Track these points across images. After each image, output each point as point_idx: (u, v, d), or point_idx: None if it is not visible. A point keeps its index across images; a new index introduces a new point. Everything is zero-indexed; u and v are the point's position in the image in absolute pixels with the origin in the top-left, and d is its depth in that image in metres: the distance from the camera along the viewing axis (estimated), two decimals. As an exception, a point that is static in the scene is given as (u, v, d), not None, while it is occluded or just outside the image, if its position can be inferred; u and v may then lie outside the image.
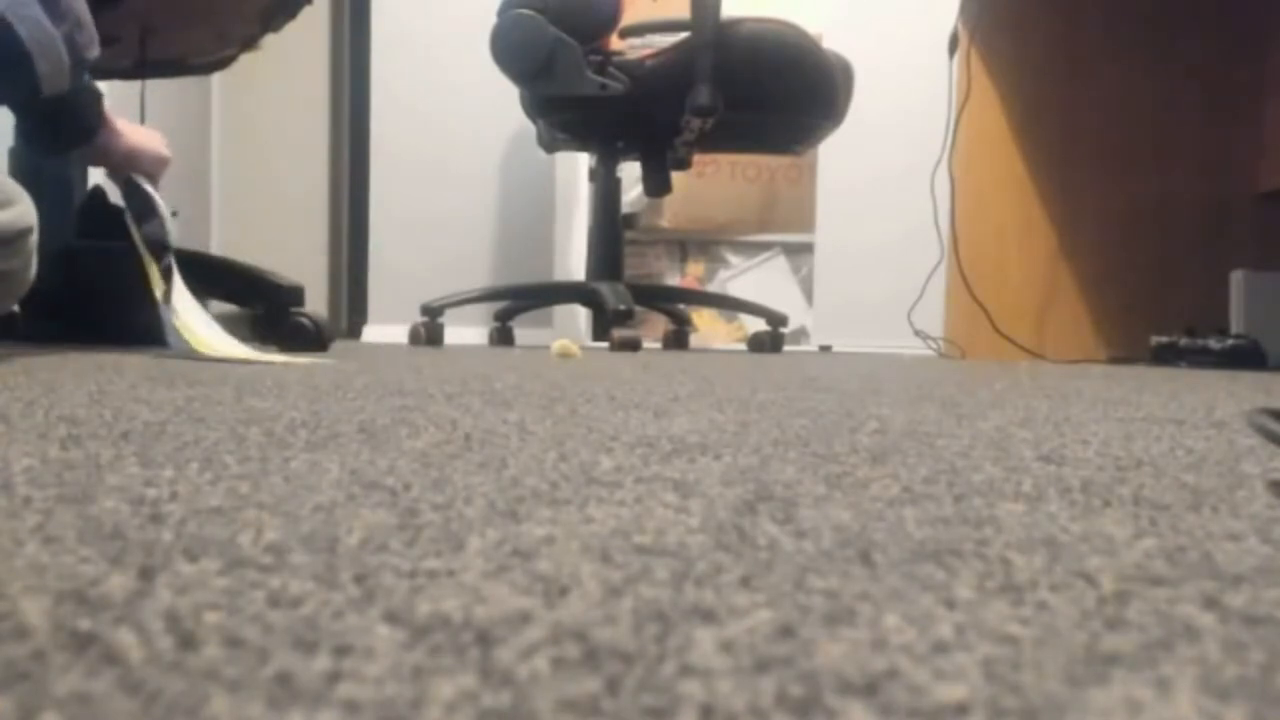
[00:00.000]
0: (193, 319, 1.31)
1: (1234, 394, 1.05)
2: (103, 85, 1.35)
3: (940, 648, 0.19)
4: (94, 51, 1.22)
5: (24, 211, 1.10)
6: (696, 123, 2.19)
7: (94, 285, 1.79)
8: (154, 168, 1.41)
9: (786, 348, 2.58)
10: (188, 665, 0.17)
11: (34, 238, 1.10)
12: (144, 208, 1.38)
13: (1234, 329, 2.13)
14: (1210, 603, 0.23)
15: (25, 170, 1.92)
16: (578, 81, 2.14)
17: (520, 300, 2.60)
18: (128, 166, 1.38)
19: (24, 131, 1.32)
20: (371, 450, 0.44)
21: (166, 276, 1.34)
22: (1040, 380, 1.23)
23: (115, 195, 2.03)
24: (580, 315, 2.90)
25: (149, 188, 1.39)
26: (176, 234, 1.42)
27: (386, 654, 0.18)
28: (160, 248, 1.36)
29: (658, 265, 3.35)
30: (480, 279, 2.87)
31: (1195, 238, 2.25)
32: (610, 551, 0.26)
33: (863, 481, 0.39)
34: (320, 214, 3.39)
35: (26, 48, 1.12)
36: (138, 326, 1.80)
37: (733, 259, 3.34)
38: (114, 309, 1.82)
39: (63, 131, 1.29)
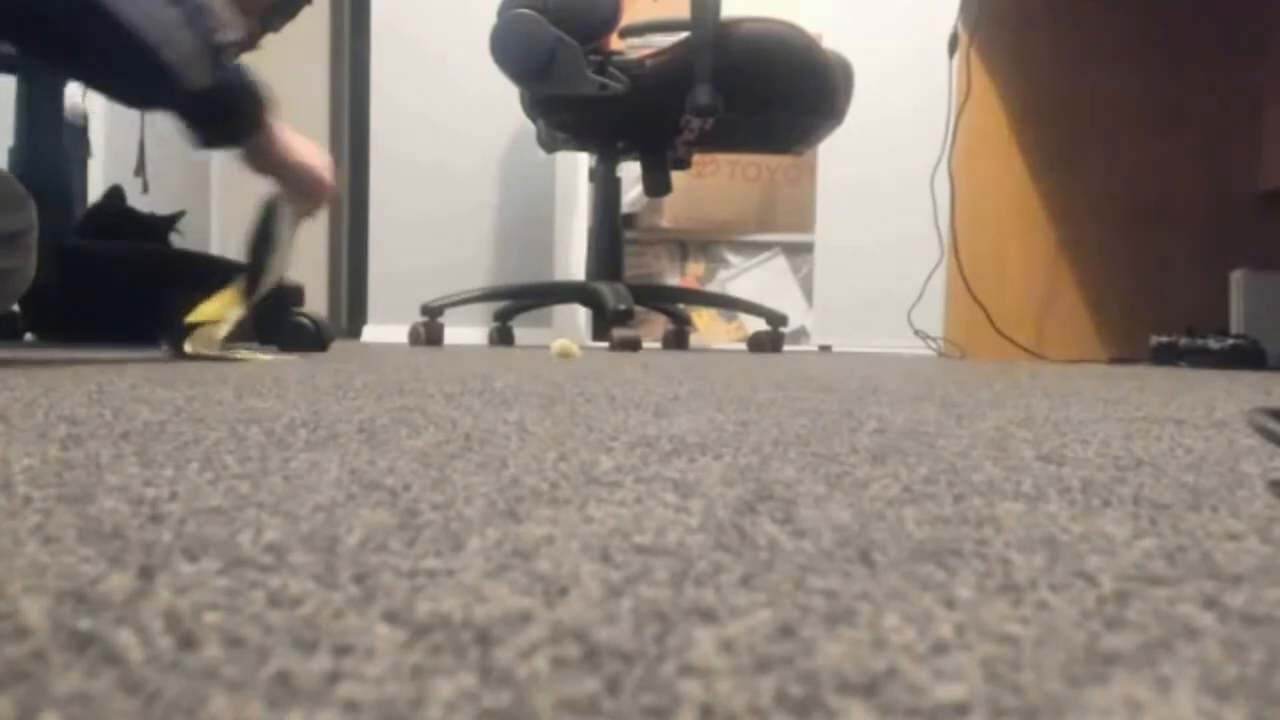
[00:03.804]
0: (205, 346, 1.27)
1: (1234, 394, 1.05)
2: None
3: (940, 647, 0.19)
4: (222, 36, 1.10)
5: (25, 211, 1.09)
6: (696, 122, 2.19)
7: (94, 285, 1.79)
8: (308, 189, 1.30)
9: (786, 348, 2.58)
10: (188, 665, 0.17)
11: (34, 235, 1.10)
12: (264, 235, 1.29)
13: (1234, 329, 2.13)
14: (1210, 603, 0.23)
15: (26, 169, 1.93)
16: (578, 81, 2.14)
17: (520, 300, 2.60)
18: (277, 178, 1.28)
19: (181, 121, 1.18)
20: (371, 450, 0.44)
21: (234, 307, 1.26)
22: (1040, 380, 1.23)
23: (134, 199, 2.04)
24: (580, 315, 2.90)
25: (282, 216, 1.29)
26: (284, 272, 1.33)
27: (386, 654, 0.18)
28: (251, 281, 1.28)
29: (658, 265, 3.35)
30: (480, 279, 2.87)
31: (1195, 238, 2.25)
32: (610, 551, 0.26)
33: (863, 481, 0.39)
34: (320, 214, 3.39)
35: (145, 38, 1.02)
36: (138, 326, 1.81)
37: (733, 259, 3.34)
38: (114, 309, 1.82)
39: (214, 128, 1.20)
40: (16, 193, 1.08)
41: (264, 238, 1.30)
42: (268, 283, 1.31)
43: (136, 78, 1.09)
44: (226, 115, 1.19)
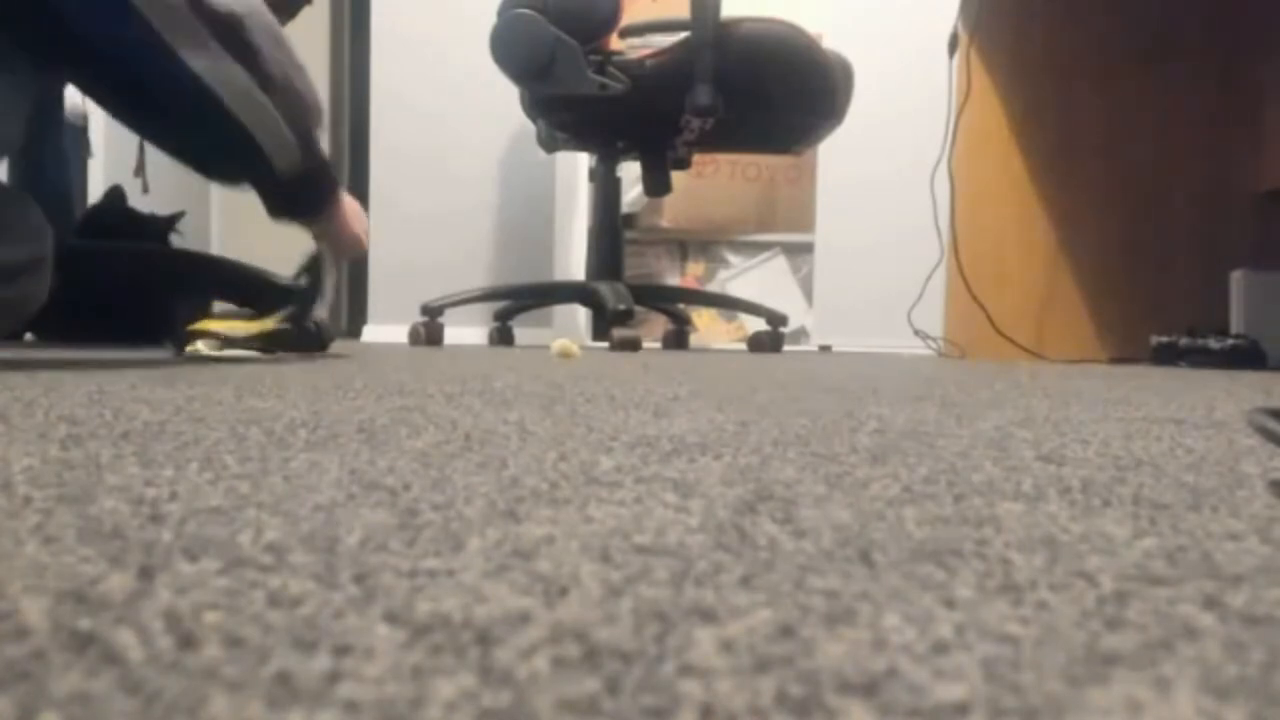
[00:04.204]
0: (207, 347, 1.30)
1: (1234, 394, 1.05)
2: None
3: (940, 647, 0.19)
4: (312, 121, 1.16)
5: (42, 240, 1.09)
6: (696, 122, 2.19)
7: (94, 285, 1.79)
8: (349, 248, 1.39)
9: (786, 348, 2.58)
10: (188, 665, 0.17)
11: (49, 264, 1.09)
12: (312, 284, 1.41)
13: (1234, 329, 2.13)
14: (1210, 603, 0.23)
15: (25, 169, 1.93)
16: (578, 81, 2.14)
17: (520, 300, 2.60)
18: (328, 243, 1.38)
19: (259, 196, 1.24)
20: (371, 450, 0.44)
21: (252, 342, 1.32)
22: (1040, 380, 1.23)
23: (134, 199, 2.04)
24: (580, 315, 2.90)
25: (327, 269, 1.40)
26: (321, 314, 1.44)
27: (386, 654, 0.18)
28: (295, 319, 1.38)
29: (658, 265, 3.35)
30: (480, 279, 2.87)
31: (1195, 238, 2.25)
32: (610, 551, 0.26)
33: (863, 481, 0.39)
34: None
35: (249, 130, 1.06)
36: (138, 326, 1.81)
37: (733, 259, 3.34)
38: (114, 309, 1.82)
39: (290, 206, 1.26)
40: (35, 222, 1.08)
41: (313, 286, 1.42)
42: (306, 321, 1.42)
43: (230, 161, 1.14)
44: (304, 196, 1.25)
